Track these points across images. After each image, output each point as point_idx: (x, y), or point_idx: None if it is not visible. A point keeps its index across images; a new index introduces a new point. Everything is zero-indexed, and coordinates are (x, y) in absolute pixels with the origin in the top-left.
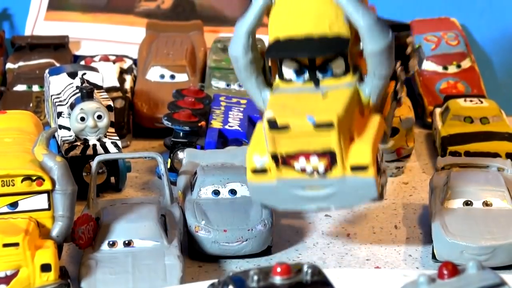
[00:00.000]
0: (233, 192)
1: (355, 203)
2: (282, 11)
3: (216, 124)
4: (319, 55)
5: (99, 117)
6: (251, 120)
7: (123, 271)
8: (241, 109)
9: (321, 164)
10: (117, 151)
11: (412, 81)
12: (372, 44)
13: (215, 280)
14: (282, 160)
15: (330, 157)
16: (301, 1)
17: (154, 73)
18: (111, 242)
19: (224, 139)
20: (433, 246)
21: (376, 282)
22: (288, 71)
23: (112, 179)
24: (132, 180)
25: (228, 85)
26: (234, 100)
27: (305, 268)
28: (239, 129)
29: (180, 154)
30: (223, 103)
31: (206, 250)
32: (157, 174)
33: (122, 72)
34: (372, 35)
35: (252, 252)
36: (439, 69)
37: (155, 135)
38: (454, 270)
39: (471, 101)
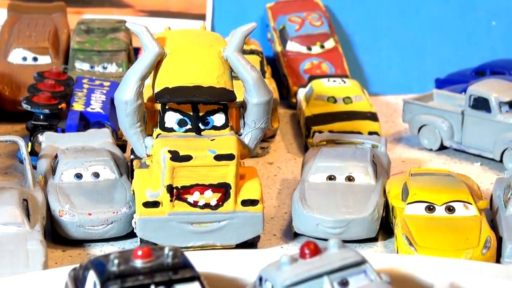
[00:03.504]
0: (96, 175)
1: (240, 239)
2: (172, 63)
3: (77, 106)
4: (210, 102)
5: None
6: (114, 103)
7: None
8: (104, 91)
9: (214, 199)
10: None
11: (277, 61)
12: (258, 97)
13: (77, 265)
14: (177, 194)
15: (224, 191)
16: (191, 56)
17: (16, 56)
18: None
19: (86, 122)
20: (292, 219)
21: (238, 263)
22: (170, 121)
23: None
24: None
25: (92, 67)
26: (98, 82)
27: (166, 250)
28: (102, 111)
29: (41, 137)
30: (85, 85)
31: (71, 235)
32: (19, 159)
33: None
34: (259, 89)
35: (117, 235)
36: (303, 49)
37: (18, 119)
38: (315, 249)
39: (334, 81)
